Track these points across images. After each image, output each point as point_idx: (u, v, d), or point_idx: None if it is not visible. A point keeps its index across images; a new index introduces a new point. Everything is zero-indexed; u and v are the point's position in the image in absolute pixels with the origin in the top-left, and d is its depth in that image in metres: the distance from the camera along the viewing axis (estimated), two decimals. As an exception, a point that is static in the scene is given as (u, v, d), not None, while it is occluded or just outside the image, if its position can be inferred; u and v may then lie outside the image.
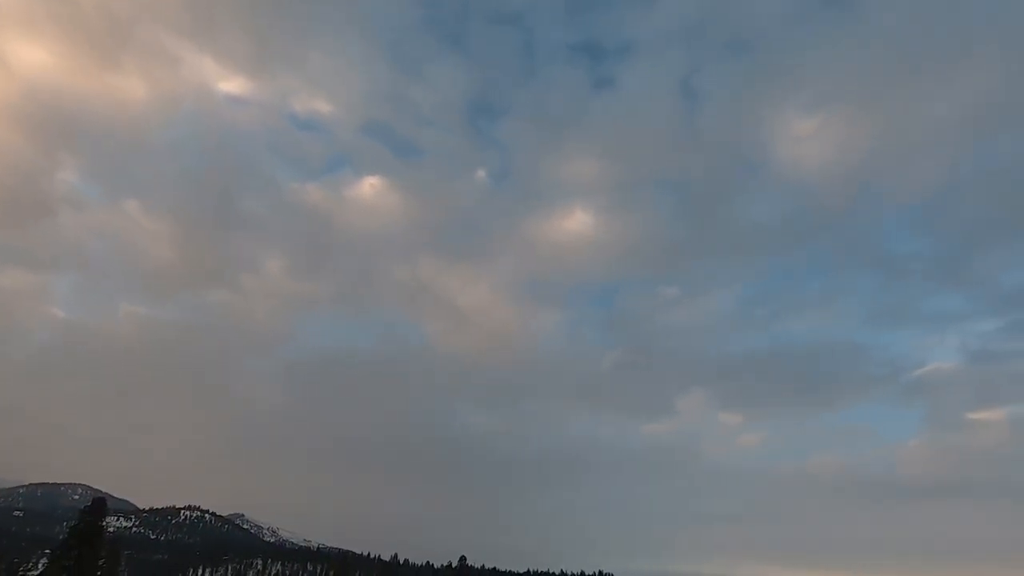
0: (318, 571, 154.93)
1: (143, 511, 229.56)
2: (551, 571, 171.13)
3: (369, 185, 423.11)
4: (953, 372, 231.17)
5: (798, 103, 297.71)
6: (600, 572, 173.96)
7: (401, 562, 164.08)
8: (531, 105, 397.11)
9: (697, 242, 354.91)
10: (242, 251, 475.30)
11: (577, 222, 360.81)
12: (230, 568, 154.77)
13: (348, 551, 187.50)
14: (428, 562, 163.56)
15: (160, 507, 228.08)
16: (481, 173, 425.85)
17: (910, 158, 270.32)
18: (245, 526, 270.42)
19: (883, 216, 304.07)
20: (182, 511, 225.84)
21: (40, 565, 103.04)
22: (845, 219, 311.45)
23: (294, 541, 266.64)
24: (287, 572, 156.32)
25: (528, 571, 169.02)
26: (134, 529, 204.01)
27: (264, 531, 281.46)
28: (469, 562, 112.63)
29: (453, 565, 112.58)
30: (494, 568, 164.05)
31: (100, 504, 46.87)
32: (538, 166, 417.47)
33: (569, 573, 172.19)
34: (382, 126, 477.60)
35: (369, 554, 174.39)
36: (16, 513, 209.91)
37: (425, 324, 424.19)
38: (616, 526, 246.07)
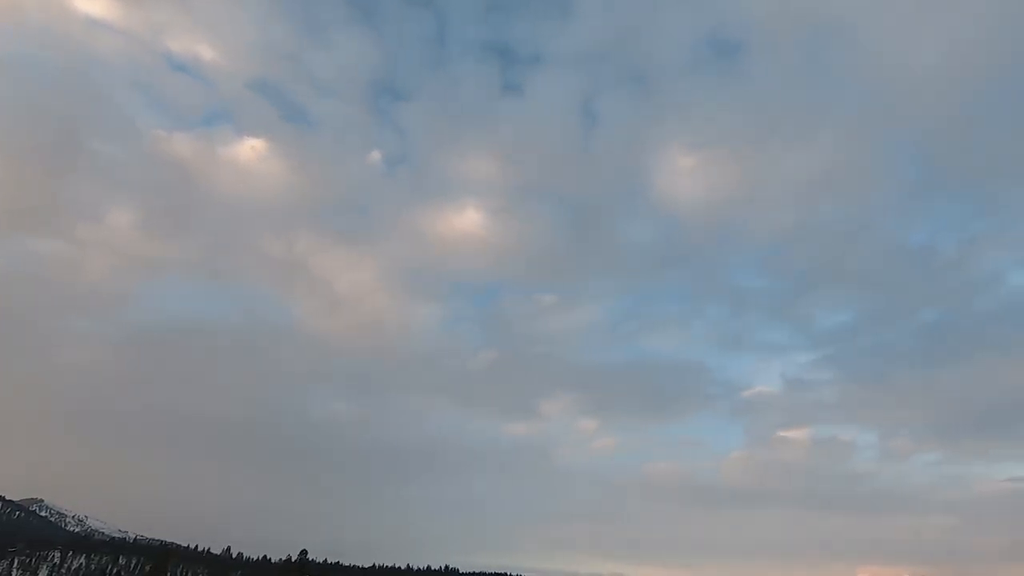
0: (132, 565, 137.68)
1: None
2: (398, 566, 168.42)
3: (250, 147, 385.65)
4: (772, 395, 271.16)
5: (682, 141, 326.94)
6: (447, 567, 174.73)
7: (234, 556, 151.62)
8: (437, 96, 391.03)
9: (578, 255, 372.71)
10: (83, 197, 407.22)
11: (468, 220, 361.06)
12: (16, 561, 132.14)
13: (172, 543, 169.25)
14: (265, 556, 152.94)
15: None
16: (376, 155, 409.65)
17: (763, 207, 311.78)
18: (43, 513, 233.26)
19: (736, 254, 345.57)
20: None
21: None
22: (706, 252, 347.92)
23: (105, 531, 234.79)
24: (92, 566, 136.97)
25: (375, 566, 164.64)
26: None
27: (68, 519, 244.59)
28: (311, 556, 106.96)
29: (293, 559, 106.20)
30: (337, 563, 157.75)
31: None
32: (436, 158, 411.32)
33: (416, 568, 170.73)
34: (273, 86, 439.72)
35: (197, 547, 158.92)
36: None
37: (294, 303, 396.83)
38: (470, 523, 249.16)
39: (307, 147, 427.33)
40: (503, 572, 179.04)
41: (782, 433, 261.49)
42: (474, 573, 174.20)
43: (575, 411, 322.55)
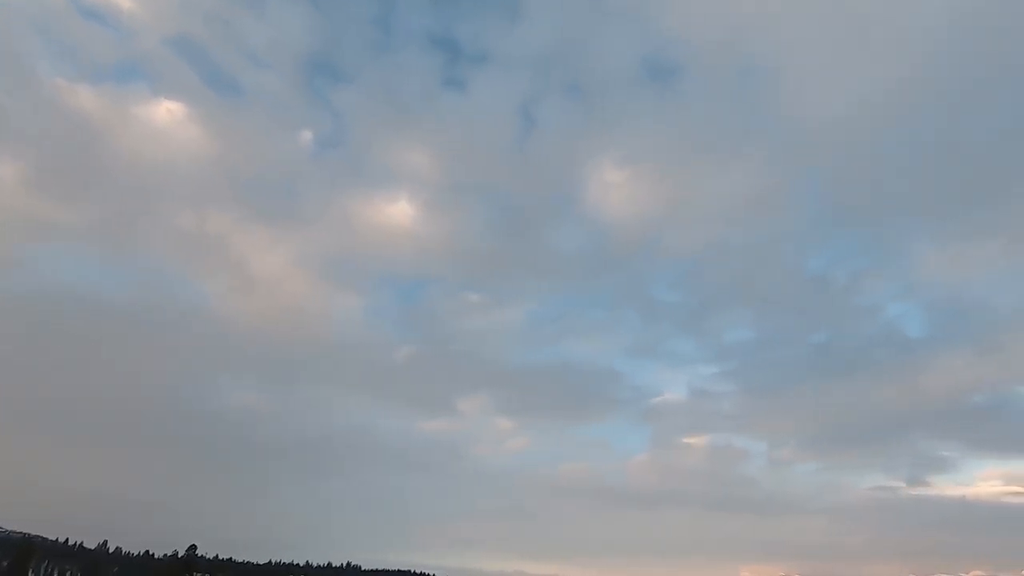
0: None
1: None
2: (296, 563, 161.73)
3: (166, 109, 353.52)
4: (677, 403, 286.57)
5: (614, 155, 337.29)
6: (348, 564, 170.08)
7: (111, 550, 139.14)
8: (378, 82, 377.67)
9: (506, 257, 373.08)
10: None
11: (399, 211, 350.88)
12: None
13: (36, 536, 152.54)
14: (148, 551, 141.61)
15: None
16: (307, 134, 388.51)
17: (682, 226, 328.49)
18: None
19: (655, 269, 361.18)
20: None
21: None
22: (628, 264, 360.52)
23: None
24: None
25: (270, 562, 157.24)
26: None
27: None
28: (201, 552, 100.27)
29: (180, 554, 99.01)
30: (230, 559, 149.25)
31: None
32: (372, 145, 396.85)
33: (316, 565, 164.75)
34: (198, 48, 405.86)
35: (68, 540, 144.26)
36: None
37: (204, 282, 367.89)
38: (380, 520, 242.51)
39: (231, 117, 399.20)
40: (407, 570, 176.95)
41: (684, 439, 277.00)
42: (377, 571, 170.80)
43: (492, 410, 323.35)
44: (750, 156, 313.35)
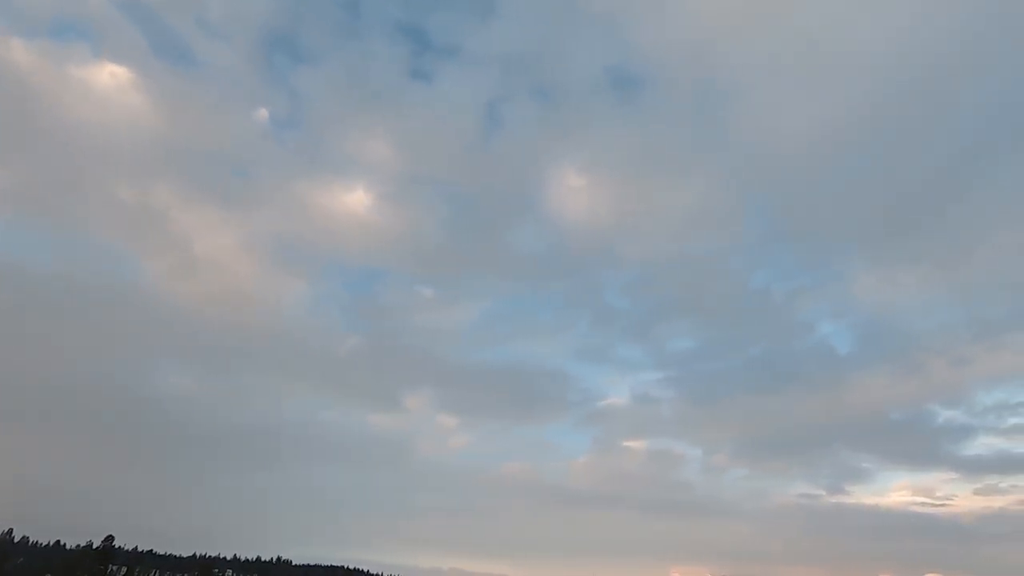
0: None
1: None
2: (222, 556, 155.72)
3: (109, 73, 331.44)
4: (621, 407, 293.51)
5: (577, 160, 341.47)
6: (279, 559, 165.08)
7: (16, 540, 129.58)
8: (342, 66, 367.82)
9: (463, 253, 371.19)
10: None
11: (356, 200, 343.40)
12: None
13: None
14: (58, 541, 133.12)
15: None
16: (263, 113, 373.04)
17: (637, 235, 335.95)
18: None
19: (608, 275, 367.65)
20: None
21: None
22: (583, 268, 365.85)
23: None
24: None
25: (195, 555, 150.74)
26: None
27: None
28: (121, 543, 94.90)
29: (95, 545, 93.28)
30: (151, 551, 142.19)
31: None
32: (331, 129, 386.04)
33: (244, 559, 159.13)
34: (149, 12, 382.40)
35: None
36: None
37: (145, 260, 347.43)
38: (317, 514, 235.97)
39: (182, 88, 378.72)
40: (339, 566, 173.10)
41: (625, 442, 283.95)
42: (308, 566, 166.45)
43: (438, 407, 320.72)
44: (705, 173, 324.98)
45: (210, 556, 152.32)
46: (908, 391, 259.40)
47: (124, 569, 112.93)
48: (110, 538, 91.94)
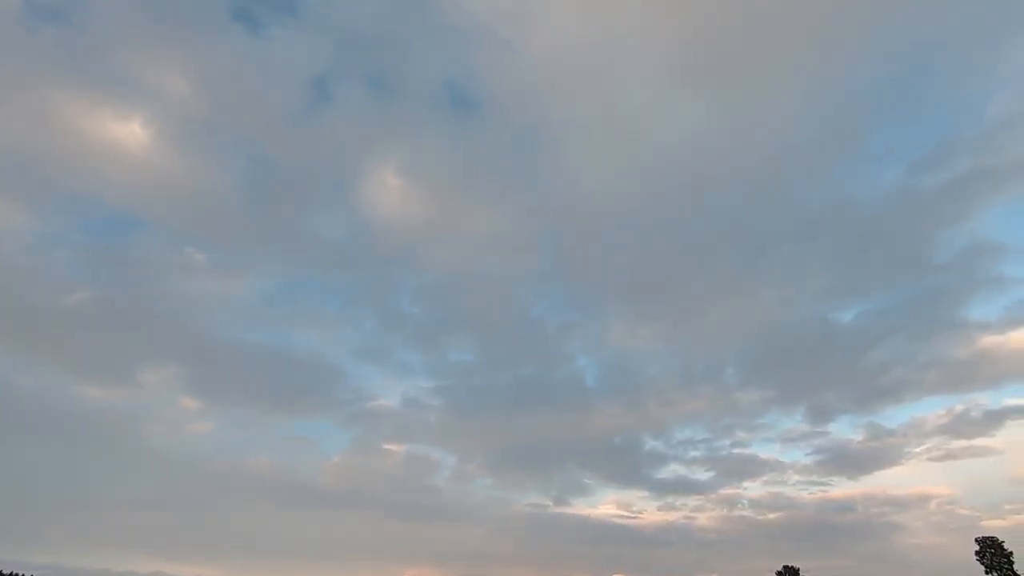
0: None
1: None
2: None
3: None
4: (390, 410, 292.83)
5: (398, 159, 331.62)
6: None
7: None
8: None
9: (252, 222, 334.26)
10: None
11: (129, 131, 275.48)
12: None
13: None
14: None
15: None
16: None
17: (442, 246, 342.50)
18: None
19: (405, 279, 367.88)
20: None
21: None
22: (380, 267, 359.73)
23: None
24: None
25: None
26: None
27: None
28: None
29: None
30: None
31: None
32: (114, 39, 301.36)
33: None
34: None
35: None
36: None
37: None
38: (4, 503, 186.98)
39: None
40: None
41: (386, 445, 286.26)
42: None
43: (183, 387, 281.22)
44: (513, 205, 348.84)
45: None
46: (629, 422, 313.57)
47: None
48: None
